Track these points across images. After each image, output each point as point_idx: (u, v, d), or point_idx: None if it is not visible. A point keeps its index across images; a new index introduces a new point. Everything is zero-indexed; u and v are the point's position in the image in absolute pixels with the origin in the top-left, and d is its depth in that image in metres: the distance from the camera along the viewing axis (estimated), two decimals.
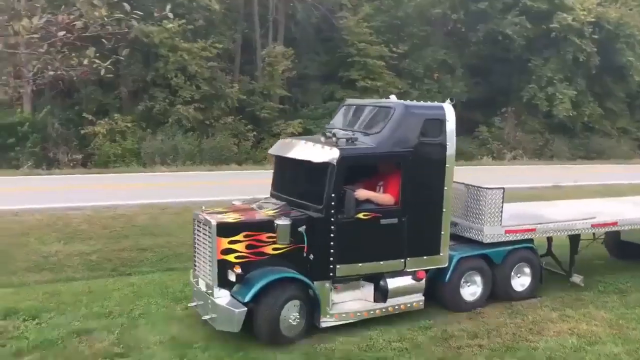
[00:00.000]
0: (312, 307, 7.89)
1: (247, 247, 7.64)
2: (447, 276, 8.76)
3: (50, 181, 19.72)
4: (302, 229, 7.77)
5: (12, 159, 24.21)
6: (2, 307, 8.65)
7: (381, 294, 8.31)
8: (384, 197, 8.27)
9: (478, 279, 9.12)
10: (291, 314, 7.68)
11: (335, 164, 7.72)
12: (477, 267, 9.11)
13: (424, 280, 8.52)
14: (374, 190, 8.40)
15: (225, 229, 7.57)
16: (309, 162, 7.95)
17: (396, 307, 8.41)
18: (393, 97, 9.28)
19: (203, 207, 8.28)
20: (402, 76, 33.78)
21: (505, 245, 9.24)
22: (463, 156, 31.88)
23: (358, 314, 8.19)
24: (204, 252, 7.94)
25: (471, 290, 9.11)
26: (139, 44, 24.83)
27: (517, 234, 9.26)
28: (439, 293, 8.90)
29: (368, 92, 31.34)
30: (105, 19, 7.64)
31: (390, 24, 34.32)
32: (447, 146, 8.42)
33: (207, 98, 27.41)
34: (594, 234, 10.73)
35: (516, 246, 9.34)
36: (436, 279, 8.80)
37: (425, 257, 8.50)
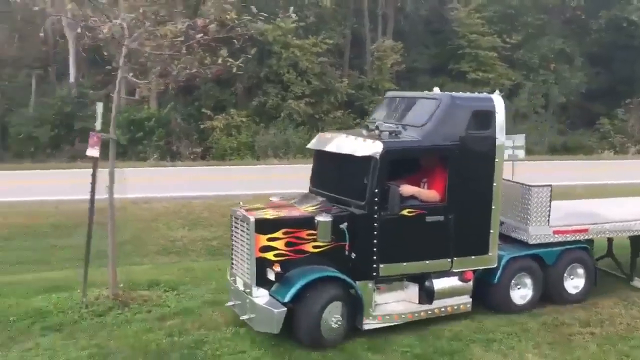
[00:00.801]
0: (354, 308, 7.45)
1: (287, 244, 7.27)
2: (497, 277, 8.23)
3: (174, 172, 21.24)
4: (343, 226, 7.35)
5: (140, 151, 26.15)
6: (146, 280, 9.54)
7: (426, 295, 7.84)
8: (429, 193, 7.81)
9: (529, 281, 8.56)
10: (333, 316, 7.25)
11: (378, 157, 7.31)
12: (528, 268, 8.55)
13: (471, 282, 8.04)
14: (417, 186, 7.95)
15: (263, 226, 7.20)
16: (351, 156, 7.55)
17: (442, 309, 7.93)
18: (437, 90, 8.87)
19: (241, 203, 7.95)
20: (515, 67, 32.72)
21: (557, 246, 8.68)
22: (582, 150, 30.32)
23: (402, 315, 7.73)
24: (241, 250, 7.57)
25: (521, 292, 8.56)
26: (256, 42, 25.97)
27: (567, 235, 8.65)
28: (488, 295, 8.37)
29: (479, 84, 30.66)
30: (235, 21, 8.27)
31: (504, 14, 33.32)
32: (497, 139, 7.95)
33: (317, 93, 28.09)
34: None
35: (569, 246, 8.77)
36: (484, 280, 8.27)
37: (473, 257, 8.00)
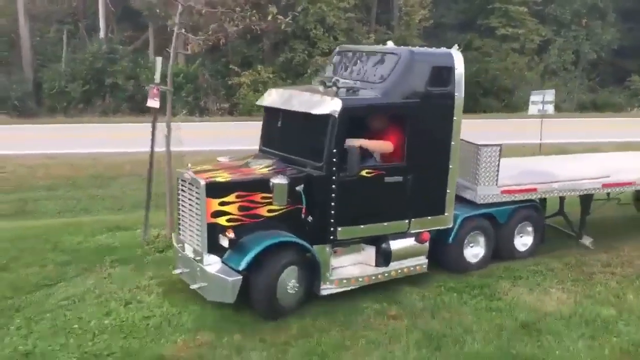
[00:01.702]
0: (311, 274, 7.10)
1: (240, 208, 6.80)
2: (451, 237, 8.09)
3: (203, 127, 21.74)
4: (300, 188, 6.92)
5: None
6: None
7: (383, 258, 7.56)
8: (381, 144, 7.42)
9: (482, 239, 8.47)
10: (289, 281, 6.88)
11: (337, 116, 6.87)
12: (481, 227, 8.44)
13: (427, 242, 7.83)
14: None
15: (215, 189, 6.70)
16: (307, 114, 7.09)
17: (399, 271, 7.68)
18: (390, 43, 8.43)
19: (189, 165, 7.34)
20: (546, 23, 32.13)
21: (509, 204, 8.61)
22: (612, 107, 29.97)
23: (360, 279, 7.44)
24: (190, 215, 7.05)
25: (474, 251, 8.46)
26: None
27: (515, 195, 8.57)
28: (442, 255, 8.22)
29: (508, 40, 30.25)
30: None
31: None
32: (456, 96, 7.64)
33: None
34: (608, 194, 9.73)
35: (521, 205, 8.72)
36: (438, 240, 8.08)
37: (430, 218, 7.77)
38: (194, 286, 6.95)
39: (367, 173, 7.16)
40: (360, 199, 7.19)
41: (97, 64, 26.92)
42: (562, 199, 9.71)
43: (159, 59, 9.08)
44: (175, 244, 7.61)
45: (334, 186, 7.01)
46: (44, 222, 10.60)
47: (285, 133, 7.73)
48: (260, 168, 7.25)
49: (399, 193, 7.43)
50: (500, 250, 8.69)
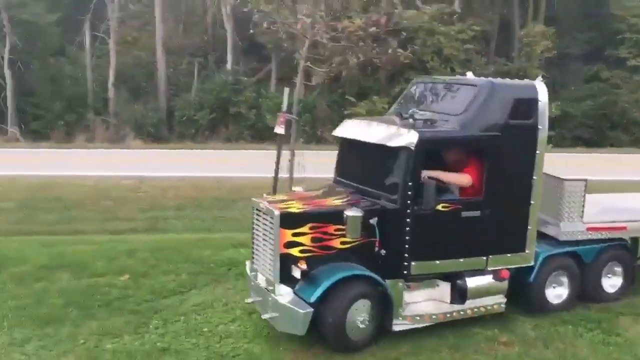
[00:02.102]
0: (383, 308, 6.96)
1: (313, 240, 6.78)
2: (532, 276, 7.75)
3: (319, 155, 22.39)
4: (373, 221, 6.84)
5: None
6: None
7: (459, 295, 7.32)
8: (459, 178, 7.24)
9: (565, 279, 8.08)
10: (359, 315, 6.77)
11: (413, 148, 6.76)
12: (565, 267, 8.06)
13: (506, 281, 7.53)
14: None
15: (289, 220, 6.71)
16: (382, 146, 7.00)
17: (475, 309, 7.42)
18: (470, 75, 8.23)
19: (264, 194, 7.48)
20: None
21: (596, 243, 8.18)
22: None
23: (433, 316, 7.23)
24: (264, 245, 7.08)
25: (557, 291, 8.06)
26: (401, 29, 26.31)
27: (603, 232, 8.13)
28: (522, 294, 7.89)
29: (639, 71, 28.53)
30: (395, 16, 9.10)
31: None
32: (539, 130, 7.38)
33: None
34: None
35: (610, 244, 8.27)
36: (518, 278, 7.77)
37: (509, 255, 7.50)
38: (265, 316, 6.96)
39: (443, 207, 7.00)
40: (436, 233, 7.05)
41: (223, 94, 28.64)
42: None
43: (286, 90, 9.73)
44: (248, 272, 7.64)
45: (408, 220, 6.89)
46: (177, 237, 11.49)
47: (361, 164, 7.73)
48: (335, 200, 7.25)
49: (477, 228, 7.23)
50: (586, 292, 8.26)
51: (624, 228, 8.26)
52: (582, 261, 8.13)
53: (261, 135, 26.88)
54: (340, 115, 28.59)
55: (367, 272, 6.82)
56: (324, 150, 24.37)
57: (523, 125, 7.34)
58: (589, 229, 8.05)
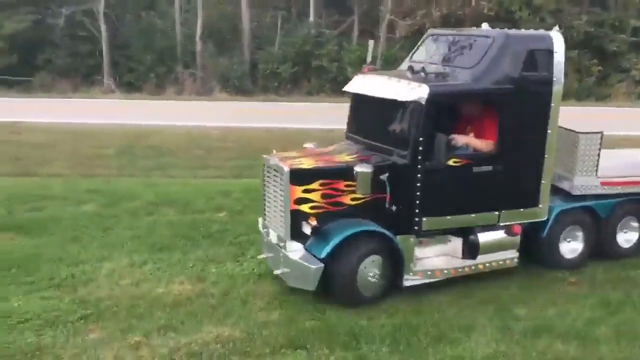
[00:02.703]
0: (394, 264, 6.96)
1: (323, 196, 6.76)
2: (545, 231, 7.69)
3: None
4: (384, 176, 6.79)
5: None
6: None
7: (470, 250, 7.27)
8: (483, 144, 7.13)
9: (580, 234, 7.99)
10: (370, 271, 6.79)
11: (424, 102, 6.64)
12: (580, 221, 7.97)
13: (519, 235, 7.45)
14: (469, 133, 7.31)
15: (299, 176, 6.69)
16: (394, 101, 6.88)
17: (487, 264, 7.38)
18: (485, 26, 7.99)
19: (274, 151, 7.32)
20: None
21: (612, 197, 8.04)
22: None
23: (445, 271, 7.21)
24: (275, 201, 7.07)
25: (572, 246, 7.98)
26: None
27: (618, 187, 7.97)
28: (535, 249, 7.84)
29: None
30: None
31: None
32: (554, 82, 7.18)
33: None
34: None
35: (624, 198, 8.11)
36: (532, 233, 7.70)
37: (522, 210, 7.41)
38: (277, 272, 6.99)
39: (454, 162, 6.92)
40: (447, 189, 6.98)
41: (305, 47, 28.87)
42: None
43: (371, 43, 9.85)
44: (260, 229, 7.67)
45: (419, 175, 6.81)
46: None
47: (372, 120, 7.64)
48: (346, 156, 7.19)
49: (489, 183, 7.13)
50: (601, 247, 8.19)
51: (639, 183, 8.11)
52: (598, 216, 8.05)
53: (341, 88, 27.07)
54: None
55: (378, 228, 6.80)
56: None
57: (537, 77, 7.17)
58: (603, 183, 7.92)
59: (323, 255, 6.63)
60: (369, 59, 9.43)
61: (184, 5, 31.50)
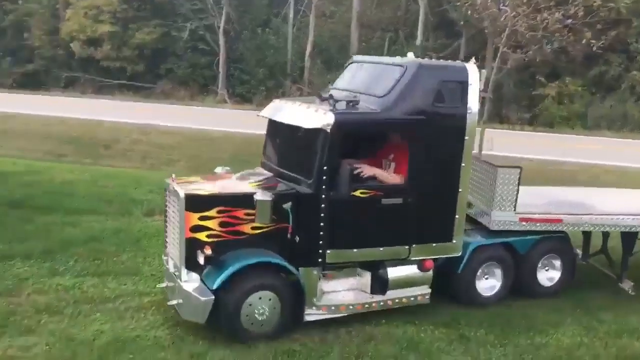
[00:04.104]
0: (294, 298, 6.59)
1: (221, 224, 6.41)
2: (460, 267, 7.37)
3: (501, 134, 22.46)
4: (287, 206, 6.46)
5: None
6: None
7: (379, 285, 6.96)
8: (390, 177, 6.86)
9: (498, 271, 7.69)
10: (258, 307, 6.38)
11: (329, 131, 6.37)
12: (498, 258, 7.67)
13: (431, 271, 7.13)
14: (380, 165, 7.04)
15: (195, 202, 6.33)
16: (300, 128, 6.64)
17: (396, 300, 7.05)
18: (410, 55, 7.53)
19: (173, 175, 6.94)
20: None
21: (533, 234, 7.78)
22: None
23: (350, 306, 6.88)
24: (173, 228, 6.73)
25: (489, 283, 7.70)
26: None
27: (537, 224, 7.68)
28: (451, 286, 7.55)
29: None
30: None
31: None
32: (469, 114, 6.91)
33: None
34: None
35: (546, 235, 7.84)
36: (448, 269, 7.39)
37: (434, 245, 7.09)
38: (171, 302, 6.65)
39: (361, 193, 6.63)
40: (353, 220, 6.68)
41: None
42: (605, 235, 8.71)
43: (483, 71, 10.51)
44: (163, 256, 7.31)
45: (323, 205, 6.52)
46: None
47: (282, 147, 7.40)
48: (250, 183, 6.87)
49: (398, 216, 6.85)
50: (521, 284, 7.89)
51: (559, 220, 7.81)
52: (517, 252, 7.77)
53: None
54: (528, 96, 27.97)
55: (276, 260, 6.48)
56: (506, 130, 24.34)
57: (451, 109, 6.94)
58: (522, 219, 7.65)
59: (214, 286, 6.26)
60: (481, 85, 9.98)
61: (297, 23, 33.11)
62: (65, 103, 25.07)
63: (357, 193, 6.62)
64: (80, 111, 22.08)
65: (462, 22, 28.36)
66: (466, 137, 6.99)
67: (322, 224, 6.57)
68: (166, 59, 33.14)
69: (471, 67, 7.09)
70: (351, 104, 6.69)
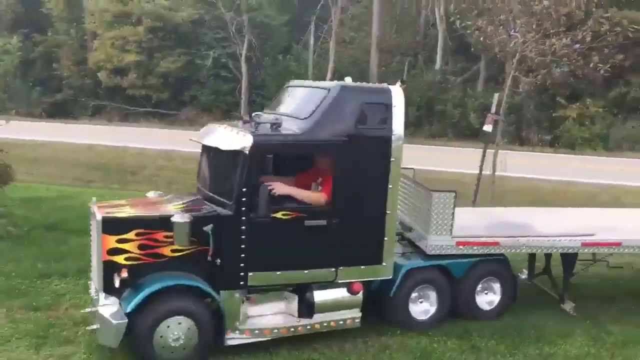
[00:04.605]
0: (214, 322, 6.54)
1: (140, 247, 6.38)
2: (393, 290, 7.31)
3: (522, 156, 22.75)
4: (208, 228, 6.43)
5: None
6: None
7: (306, 309, 6.88)
8: (313, 196, 6.82)
9: (433, 294, 7.60)
10: (172, 332, 6.31)
11: (247, 152, 6.40)
12: (432, 281, 7.58)
13: (360, 294, 7.04)
14: (309, 187, 7.00)
15: (113, 225, 6.33)
16: (220, 150, 6.70)
17: (324, 324, 6.97)
18: (348, 80, 7.58)
19: (94, 199, 7.00)
20: None
21: (470, 257, 7.68)
22: None
23: (275, 330, 6.78)
24: (93, 251, 6.74)
25: (424, 307, 7.60)
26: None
27: (474, 247, 7.61)
28: (384, 309, 7.49)
29: None
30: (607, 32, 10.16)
31: None
32: (393, 137, 6.94)
33: None
34: (594, 254, 8.40)
35: (482, 258, 7.74)
36: (381, 292, 7.36)
37: (363, 267, 7.02)
38: (91, 327, 6.62)
39: (283, 215, 6.60)
40: (276, 243, 6.62)
41: (429, 92, 30.02)
42: (547, 257, 8.68)
43: (496, 95, 11.00)
44: (88, 281, 7.34)
45: (244, 227, 6.51)
46: None
47: (210, 170, 7.41)
48: (174, 206, 6.87)
49: (323, 238, 6.78)
50: (458, 308, 7.77)
51: (496, 243, 7.73)
52: (452, 276, 7.67)
53: (464, 133, 27.72)
54: (548, 117, 28.24)
55: (193, 282, 6.44)
56: (527, 152, 24.62)
57: (375, 131, 6.93)
58: (460, 243, 7.57)
59: (127, 310, 6.22)
60: (493, 109, 10.49)
61: (318, 50, 33.96)
62: (93, 131, 25.95)
63: (279, 215, 6.59)
64: (107, 138, 22.84)
65: (477, 47, 28.90)
66: (392, 159, 6.97)
67: (242, 246, 6.55)
68: (190, 87, 34.12)
69: (396, 89, 7.09)
70: (275, 126, 6.70)
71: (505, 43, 11.15)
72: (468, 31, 14.74)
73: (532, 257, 8.89)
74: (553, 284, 8.77)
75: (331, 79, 31.70)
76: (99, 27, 34.24)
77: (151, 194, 7.45)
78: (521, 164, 19.97)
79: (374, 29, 32.10)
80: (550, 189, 16.34)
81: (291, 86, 8.08)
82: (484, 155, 11.15)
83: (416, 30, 34.99)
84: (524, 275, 9.16)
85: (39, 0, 36.04)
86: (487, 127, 10.97)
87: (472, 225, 7.93)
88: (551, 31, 10.91)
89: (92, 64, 34.31)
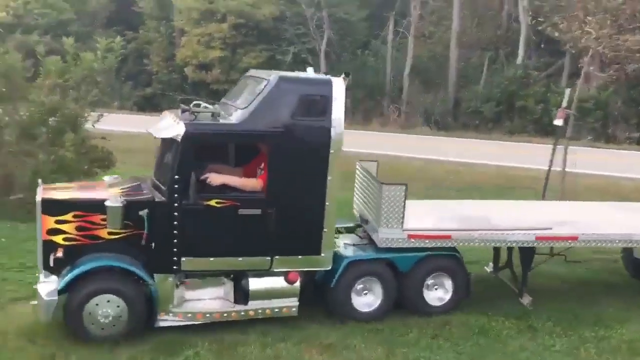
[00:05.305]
0: (145, 303, 6.78)
1: (78, 228, 6.69)
2: (334, 281, 7.30)
3: (606, 154, 22.13)
4: (143, 213, 6.65)
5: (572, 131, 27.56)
6: None
7: (242, 295, 7.03)
8: (247, 182, 6.92)
9: (377, 287, 7.49)
10: (101, 310, 6.59)
11: (180, 140, 6.58)
12: (376, 274, 7.47)
13: (298, 283, 7.09)
14: (254, 175, 7.07)
15: (51, 206, 6.67)
16: (158, 139, 7.03)
17: (259, 311, 7.05)
18: (310, 70, 7.56)
19: (40, 181, 7.25)
20: None
21: (416, 251, 7.51)
22: None
23: (208, 315, 6.94)
24: (37, 231, 6.98)
25: (368, 299, 7.50)
26: None
27: (426, 241, 7.44)
28: (326, 299, 7.47)
29: None
30: None
31: None
32: (332, 129, 6.90)
33: None
34: (551, 248, 8.38)
35: (432, 253, 7.55)
36: (324, 283, 7.40)
37: (300, 257, 7.07)
38: (32, 302, 6.97)
39: (217, 203, 6.75)
40: (208, 229, 6.78)
41: (510, 88, 29.54)
42: (510, 250, 8.52)
43: (567, 90, 11.06)
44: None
45: (176, 214, 6.69)
46: None
47: (157, 156, 7.63)
48: (115, 190, 7.08)
49: (258, 227, 6.87)
50: (406, 302, 7.61)
51: (448, 236, 7.52)
52: (398, 270, 7.51)
53: (546, 129, 27.13)
54: (637, 114, 27.16)
55: (123, 264, 6.67)
56: (612, 149, 23.91)
57: (313, 123, 6.93)
58: (412, 236, 7.42)
59: (60, 287, 6.56)
60: (564, 103, 10.58)
61: (396, 45, 34.15)
62: None
63: (213, 202, 6.73)
64: None
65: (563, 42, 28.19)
66: (331, 151, 6.95)
67: (175, 231, 6.73)
68: None
69: (337, 81, 7.09)
70: (215, 115, 6.92)
71: (577, 39, 11.20)
72: (540, 27, 14.51)
73: (496, 250, 8.81)
74: (514, 277, 8.62)
75: (409, 73, 31.86)
76: (187, 24, 35.85)
77: (107, 178, 7.71)
78: (606, 161, 19.56)
79: (454, 23, 31.84)
80: (633, 187, 15.91)
81: (246, 76, 8.26)
82: (554, 151, 11.17)
83: (497, 24, 34.36)
84: (489, 268, 9.19)
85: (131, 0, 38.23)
86: (558, 122, 11.11)
87: (426, 218, 7.88)
88: (628, 27, 10.79)
89: (179, 59, 35.93)
